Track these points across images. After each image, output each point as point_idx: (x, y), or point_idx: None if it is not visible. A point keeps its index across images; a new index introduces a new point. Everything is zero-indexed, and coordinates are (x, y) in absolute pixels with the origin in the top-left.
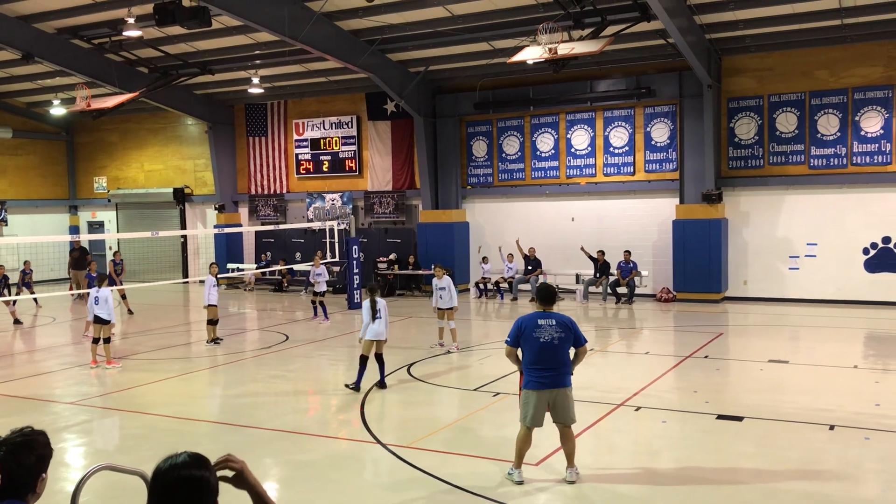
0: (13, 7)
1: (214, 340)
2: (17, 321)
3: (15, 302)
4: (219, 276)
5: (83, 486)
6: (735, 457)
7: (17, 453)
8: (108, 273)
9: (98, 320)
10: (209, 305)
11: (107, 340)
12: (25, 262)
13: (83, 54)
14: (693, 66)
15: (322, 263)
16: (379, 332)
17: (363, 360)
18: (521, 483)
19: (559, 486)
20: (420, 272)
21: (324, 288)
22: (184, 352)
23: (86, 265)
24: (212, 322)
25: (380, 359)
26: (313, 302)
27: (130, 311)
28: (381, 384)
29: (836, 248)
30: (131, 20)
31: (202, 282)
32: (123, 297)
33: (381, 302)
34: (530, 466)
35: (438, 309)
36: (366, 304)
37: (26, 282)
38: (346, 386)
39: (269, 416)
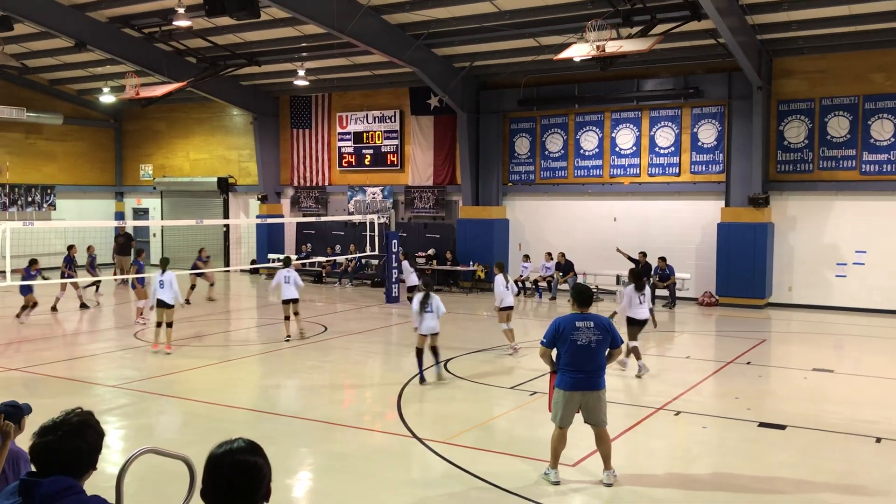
0: None
1: (288, 338)
2: (83, 305)
3: (88, 286)
4: (259, 265)
5: (128, 469)
6: (776, 466)
7: (83, 431)
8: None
9: (161, 304)
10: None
11: (169, 325)
12: (71, 247)
13: (133, 43)
14: (743, 66)
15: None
16: (431, 327)
17: (418, 352)
18: (557, 483)
19: (595, 487)
20: (458, 268)
21: (415, 281)
22: (222, 339)
23: (130, 251)
24: (288, 318)
25: (434, 350)
26: (410, 298)
27: (188, 301)
28: (437, 374)
29: (885, 257)
30: (181, 10)
31: (268, 275)
32: (212, 284)
33: (435, 298)
34: (567, 467)
35: (501, 309)
36: (416, 298)
37: (76, 267)
38: (420, 383)
39: (305, 406)
